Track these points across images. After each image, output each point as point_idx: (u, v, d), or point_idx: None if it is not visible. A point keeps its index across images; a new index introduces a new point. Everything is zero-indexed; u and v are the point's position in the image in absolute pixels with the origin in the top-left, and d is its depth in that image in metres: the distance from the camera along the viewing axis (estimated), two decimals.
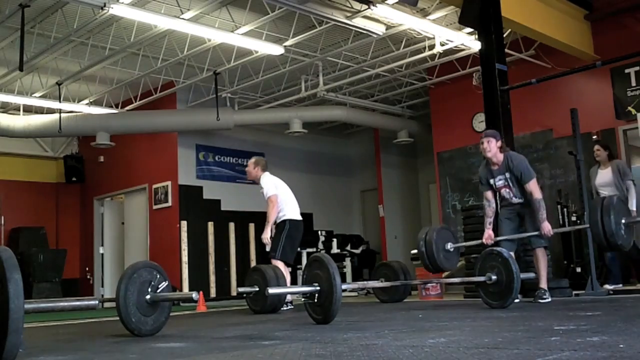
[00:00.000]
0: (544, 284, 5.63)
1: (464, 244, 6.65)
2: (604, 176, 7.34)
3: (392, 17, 7.85)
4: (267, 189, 6.58)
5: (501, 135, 6.54)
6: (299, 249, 10.69)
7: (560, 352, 2.16)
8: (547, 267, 5.86)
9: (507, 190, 5.66)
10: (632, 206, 7.08)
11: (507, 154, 5.64)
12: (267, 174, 6.76)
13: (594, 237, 5.26)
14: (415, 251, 6.13)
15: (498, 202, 5.86)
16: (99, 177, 12.81)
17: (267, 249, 6.54)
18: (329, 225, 12.88)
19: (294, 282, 9.97)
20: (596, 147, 7.36)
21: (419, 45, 9.20)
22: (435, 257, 5.90)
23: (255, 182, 6.88)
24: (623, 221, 5.12)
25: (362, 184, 14.15)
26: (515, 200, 5.67)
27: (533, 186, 5.50)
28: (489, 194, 5.79)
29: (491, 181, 5.72)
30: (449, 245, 5.94)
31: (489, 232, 5.74)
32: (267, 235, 6.47)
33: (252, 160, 6.93)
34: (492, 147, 5.60)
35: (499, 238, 5.66)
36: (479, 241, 5.86)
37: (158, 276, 3.82)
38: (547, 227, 5.41)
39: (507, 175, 5.61)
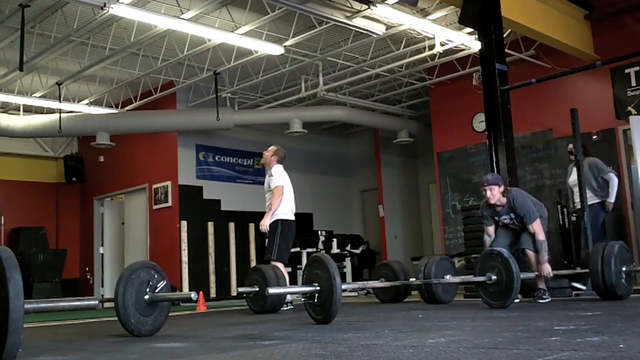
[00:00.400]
0: (542, 284, 5.63)
1: (462, 277, 6.61)
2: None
3: (392, 17, 7.85)
4: (276, 179, 6.56)
5: (501, 134, 6.57)
6: (299, 249, 10.77)
7: (560, 352, 2.16)
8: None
9: (514, 226, 5.82)
10: (612, 198, 7.09)
11: (509, 196, 5.72)
12: (280, 166, 6.75)
13: (594, 287, 5.28)
14: (413, 279, 6.18)
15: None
16: (99, 177, 12.81)
17: (264, 230, 6.54)
18: (329, 225, 12.88)
19: (294, 282, 9.99)
20: (570, 145, 7.26)
21: (419, 45, 9.20)
22: (434, 290, 5.95)
23: (266, 167, 6.82)
24: (624, 269, 5.14)
25: (362, 184, 14.15)
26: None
27: (537, 227, 5.58)
28: (490, 230, 5.91)
29: (495, 217, 5.85)
30: (448, 277, 5.96)
31: None
32: (266, 223, 6.48)
33: (274, 147, 6.83)
34: (496, 194, 5.69)
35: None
36: (475, 279, 5.88)
37: (156, 276, 3.82)
38: (547, 270, 5.49)
39: (512, 215, 5.73)
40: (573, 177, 7.22)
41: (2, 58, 8.92)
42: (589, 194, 6.83)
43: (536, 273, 5.57)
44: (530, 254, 5.65)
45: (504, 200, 5.70)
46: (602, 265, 5.08)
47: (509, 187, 5.91)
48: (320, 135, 13.46)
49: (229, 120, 10.82)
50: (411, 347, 2.53)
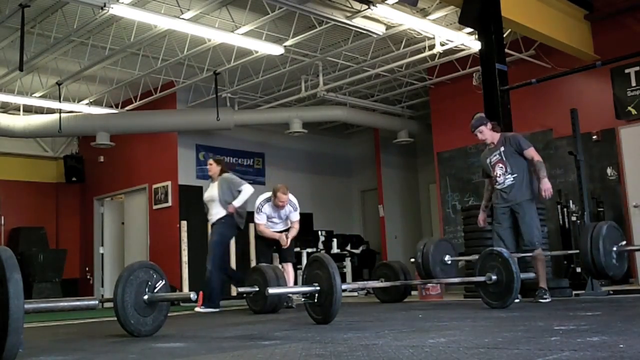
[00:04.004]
0: (543, 284, 5.62)
1: (462, 258, 6.63)
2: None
3: (392, 17, 7.86)
4: (298, 213, 7.03)
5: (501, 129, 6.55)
6: (299, 249, 10.78)
7: (560, 352, 2.16)
8: (546, 267, 5.87)
9: (501, 165, 5.66)
10: (237, 203, 7.03)
11: (502, 133, 5.79)
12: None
13: (583, 264, 5.25)
14: (413, 260, 6.17)
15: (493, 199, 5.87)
16: (99, 177, 12.81)
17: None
18: (329, 225, 12.88)
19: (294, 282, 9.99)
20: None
21: (419, 45, 9.20)
22: (431, 268, 5.92)
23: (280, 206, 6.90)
24: (614, 249, 5.10)
25: (362, 184, 14.15)
26: (508, 179, 5.63)
27: (532, 152, 5.60)
28: (488, 182, 5.92)
29: (487, 161, 5.78)
30: (447, 258, 5.95)
31: (483, 215, 5.91)
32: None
33: (283, 189, 6.87)
34: (486, 133, 5.73)
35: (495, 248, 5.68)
36: (476, 256, 5.88)
37: (155, 276, 3.82)
38: (546, 185, 5.42)
39: (502, 149, 5.66)
40: (208, 193, 7.32)
41: (2, 58, 8.92)
42: (219, 208, 7.07)
43: (533, 275, 5.55)
44: (537, 253, 5.61)
45: (496, 135, 5.74)
46: (591, 246, 5.02)
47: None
48: (320, 135, 13.46)
49: (229, 120, 10.82)
50: (411, 347, 2.53)
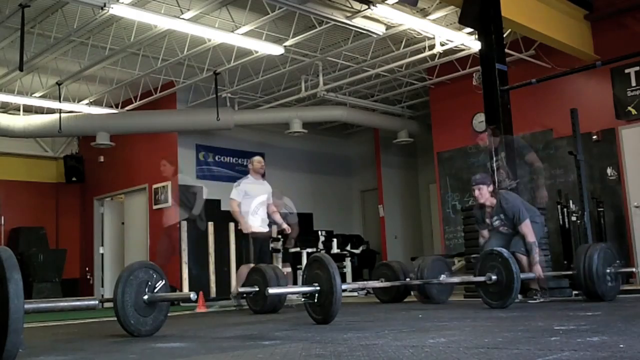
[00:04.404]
0: (535, 285, 5.63)
1: (457, 278, 6.61)
2: None
3: (392, 17, 7.85)
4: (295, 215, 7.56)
5: (501, 134, 6.56)
6: (299, 249, 10.78)
7: (560, 352, 2.16)
8: (545, 267, 5.87)
9: (505, 229, 5.77)
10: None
11: (499, 196, 5.74)
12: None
13: (576, 283, 5.29)
14: (412, 275, 6.20)
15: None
16: (99, 177, 12.81)
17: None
18: (329, 225, 12.87)
19: (293, 282, 9.98)
20: None
21: (419, 45, 9.19)
22: (426, 288, 5.95)
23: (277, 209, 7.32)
24: (608, 270, 5.14)
25: (362, 184, 14.15)
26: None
27: (526, 229, 5.55)
28: (485, 233, 5.93)
29: (487, 221, 5.84)
30: (442, 277, 5.96)
31: (484, 233, 5.91)
32: None
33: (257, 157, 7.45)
34: (485, 194, 5.75)
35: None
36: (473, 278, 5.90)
37: (155, 276, 3.82)
38: (538, 271, 5.47)
39: (502, 216, 5.72)
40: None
41: (2, 58, 8.91)
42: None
43: (533, 275, 5.56)
44: (521, 257, 5.59)
45: (493, 200, 5.72)
46: (585, 268, 5.07)
47: (503, 189, 5.91)
48: (320, 135, 13.46)
49: (229, 120, 10.81)
50: (411, 347, 2.53)
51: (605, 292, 5.13)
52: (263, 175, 7.35)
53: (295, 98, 11.03)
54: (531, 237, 5.49)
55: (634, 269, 5.31)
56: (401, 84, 11.34)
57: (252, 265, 6.90)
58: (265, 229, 7.32)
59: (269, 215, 7.35)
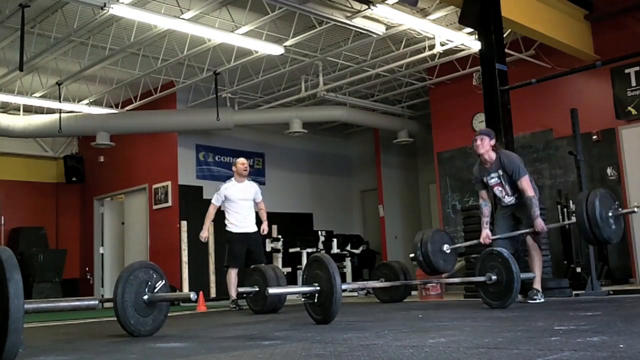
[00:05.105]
0: (537, 285, 5.61)
1: (460, 244, 6.65)
2: None
3: (392, 17, 7.85)
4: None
5: (501, 134, 6.56)
6: (299, 249, 10.77)
7: (560, 352, 2.16)
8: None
9: (500, 188, 5.62)
10: None
11: (500, 153, 5.61)
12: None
13: (581, 232, 5.24)
14: (412, 255, 6.15)
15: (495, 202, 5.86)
16: (99, 177, 12.81)
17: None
18: (329, 225, 12.87)
19: (294, 282, 9.99)
20: None
21: (419, 45, 9.20)
22: (432, 258, 5.90)
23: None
24: (610, 214, 5.12)
25: (362, 184, 14.15)
26: (507, 199, 5.64)
27: (525, 184, 5.44)
28: (484, 194, 5.77)
29: (485, 179, 5.68)
30: (446, 247, 5.94)
31: (486, 232, 5.72)
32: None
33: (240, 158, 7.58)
34: (485, 145, 5.56)
35: (494, 237, 5.65)
36: (476, 241, 5.87)
37: (155, 276, 3.82)
38: (540, 224, 5.40)
39: (500, 172, 5.56)
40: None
41: (2, 58, 8.92)
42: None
43: (533, 275, 5.54)
44: (533, 251, 5.60)
45: (493, 155, 5.57)
46: (588, 215, 5.03)
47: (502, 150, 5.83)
48: (320, 135, 13.46)
49: (229, 120, 10.82)
50: (411, 347, 2.53)
51: (610, 235, 5.10)
52: (249, 176, 7.40)
53: (295, 98, 11.03)
54: (530, 192, 5.41)
55: (634, 208, 5.21)
56: (401, 84, 11.34)
57: (235, 268, 7.05)
58: (251, 230, 7.21)
59: (257, 214, 7.39)
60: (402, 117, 12.54)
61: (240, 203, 7.14)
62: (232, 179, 7.27)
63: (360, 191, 14.28)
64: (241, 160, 7.34)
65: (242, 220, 7.13)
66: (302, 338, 3.23)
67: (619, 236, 5.28)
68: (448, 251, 5.99)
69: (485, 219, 5.75)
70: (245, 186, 7.23)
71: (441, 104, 10.99)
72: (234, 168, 7.36)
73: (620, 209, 5.28)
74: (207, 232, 7.32)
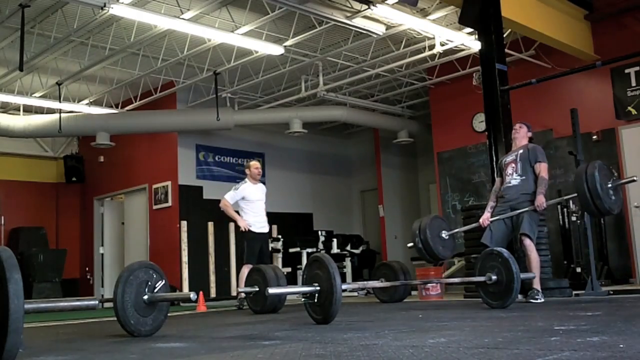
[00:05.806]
0: (537, 285, 5.62)
1: (459, 229, 6.68)
2: None
3: (392, 17, 7.85)
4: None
5: (501, 134, 6.57)
6: (299, 249, 10.78)
7: (560, 352, 2.16)
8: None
9: (513, 165, 5.79)
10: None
11: (529, 143, 5.88)
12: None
13: (582, 204, 5.27)
14: (411, 244, 6.11)
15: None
16: (99, 177, 12.81)
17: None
18: (329, 225, 12.88)
19: (294, 282, 9.99)
20: None
21: (419, 45, 9.20)
22: (432, 244, 5.90)
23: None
24: (609, 185, 5.16)
25: (362, 184, 14.15)
26: (513, 181, 5.74)
27: (543, 167, 5.66)
28: (498, 183, 5.98)
29: (503, 160, 5.90)
30: (444, 233, 5.97)
31: (487, 215, 5.87)
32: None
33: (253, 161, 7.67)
34: (522, 134, 5.90)
35: (493, 218, 5.73)
36: (476, 224, 5.94)
37: (155, 276, 3.81)
38: (541, 199, 5.50)
39: (520, 152, 5.78)
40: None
41: (2, 58, 8.92)
42: None
43: (533, 275, 5.53)
44: (526, 243, 5.58)
45: (523, 142, 5.87)
46: (589, 187, 5.07)
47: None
48: (320, 135, 13.46)
49: (229, 120, 10.82)
50: (411, 347, 2.53)
51: (611, 206, 5.15)
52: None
53: (295, 98, 11.03)
54: (545, 175, 5.61)
55: (634, 177, 5.28)
56: (401, 84, 11.34)
57: (250, 265, 6.96)
58: (266, 230, 7.47)
59: None
60: (402, 117, 12.54)
61: (258, 204, 7.36)
62: (246, 180, 7.41)
63: (360, 191, 14.28)
64: (255, 164, 7.49)
65: (260, 220, 7.36)
66: (302, 338, 3.23)
67: (619, 207, 5.38)
68: (446, 237, 6.02)
69: (491, 203, 5.95)
70: (259, 188, 7.47)
71: (441, 104, 10.99)
72: (247, 171, 7.46)
73: (618, 180, 5.36)
74: (242, 220, 7.30)
